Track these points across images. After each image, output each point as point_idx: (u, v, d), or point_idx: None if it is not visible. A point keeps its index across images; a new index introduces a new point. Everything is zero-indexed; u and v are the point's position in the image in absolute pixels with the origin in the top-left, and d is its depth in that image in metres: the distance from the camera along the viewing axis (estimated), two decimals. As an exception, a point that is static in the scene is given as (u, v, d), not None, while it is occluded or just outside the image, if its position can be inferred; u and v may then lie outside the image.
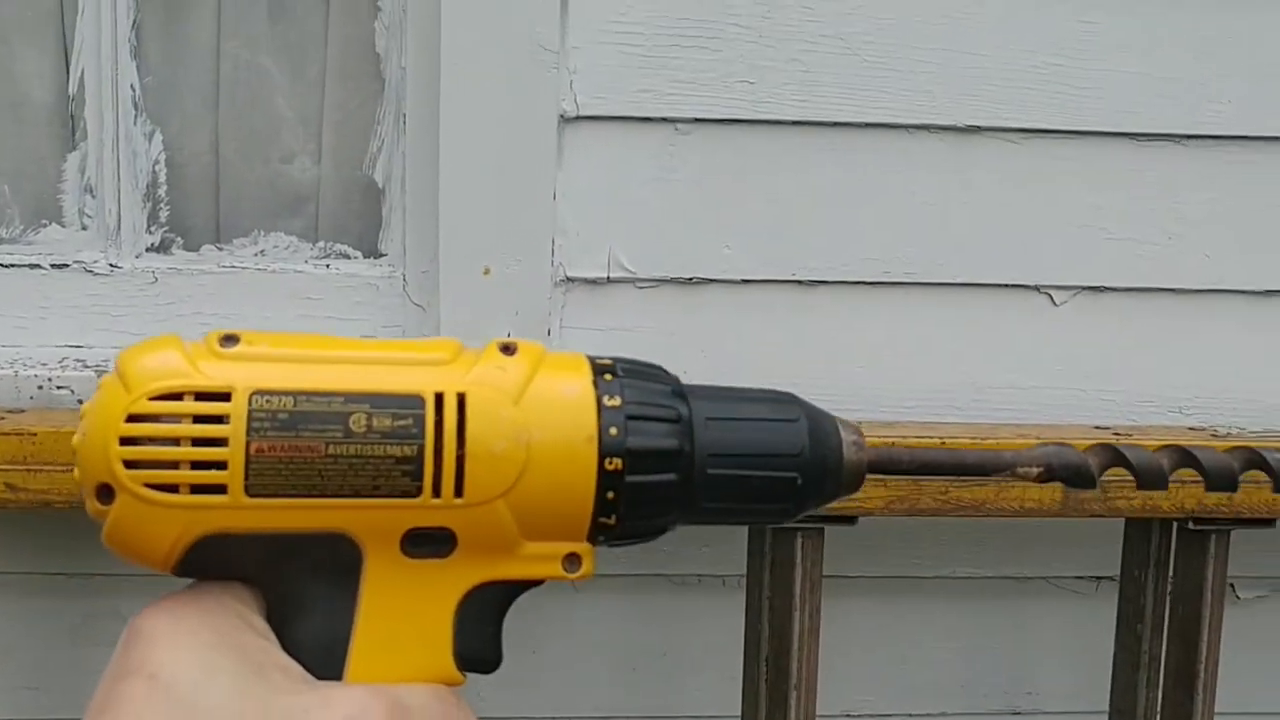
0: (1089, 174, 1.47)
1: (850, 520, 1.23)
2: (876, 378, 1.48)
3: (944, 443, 1.27)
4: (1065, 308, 1.50)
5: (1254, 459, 0.61)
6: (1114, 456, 0.61)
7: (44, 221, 1.48)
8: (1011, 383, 1.50)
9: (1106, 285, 1.50)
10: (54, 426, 1.22)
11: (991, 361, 1.50)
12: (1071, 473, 0.60)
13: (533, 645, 1.53)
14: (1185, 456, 0.61)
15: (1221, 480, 0.61)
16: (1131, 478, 0.60)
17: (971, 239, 1.46)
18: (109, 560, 1.41)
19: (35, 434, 1.21)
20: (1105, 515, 1.28)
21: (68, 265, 1.46)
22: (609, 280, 1.45)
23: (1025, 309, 1.49)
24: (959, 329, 1.49)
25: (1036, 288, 1.49)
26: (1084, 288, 1.50)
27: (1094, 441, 0.63)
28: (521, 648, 1.53)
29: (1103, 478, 0.58)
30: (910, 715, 1.58)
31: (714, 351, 1.47)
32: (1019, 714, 1.60)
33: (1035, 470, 0.60)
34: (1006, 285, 1.49)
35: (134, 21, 1.45)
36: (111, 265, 1.47)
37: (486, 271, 1.40)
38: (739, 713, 1.47)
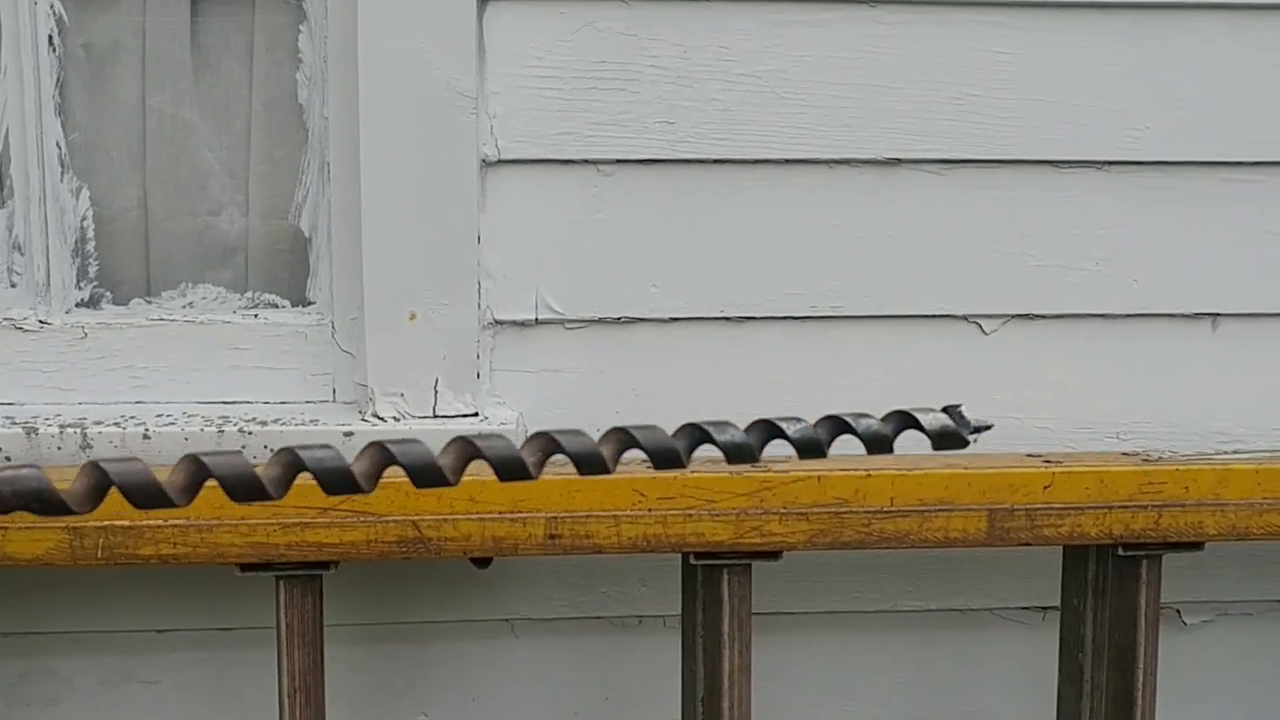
0: (1013, 202, 1.48)
1: (774, 555, 1.22)
2: (806, 411, 1.47)
3: (869, 475, 1.27)
4: (995, 336, 1.50)
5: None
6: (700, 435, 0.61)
7: (-29, 280, 1.48)
8: (945, 413, 1.50)
9: (1036, 312, 1.50)
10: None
11: (923, 392, 1.49)
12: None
13: (471, 693, 1.52)
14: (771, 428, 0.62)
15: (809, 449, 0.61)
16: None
17: (897, 270, 1.47)
18: (47, 618, 1.40)
19: (-47, 492, 1.20)
20: (1034, 544, 1.27)
21: (-4, 323, 1.46)
22: (537, 322, 1.45)
23: (954, 338, 1.50)
24: (888, 360, 1.49)
25: (965, 317, 1.50)
26: (1013, 315, 1.50)
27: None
28: (460, 695, 1.51)
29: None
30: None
31: (644, 390, 1.47)
32: (969, 747, 1.59)
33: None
34: (935, 315, 1.49)
35: (58, 79, 1.46)
36: (41, 322, 1.46)
37: (413, 317, 1.40)
38: None
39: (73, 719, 1.49)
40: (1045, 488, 1.29)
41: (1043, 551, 1.51)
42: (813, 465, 1.31)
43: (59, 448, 1.37)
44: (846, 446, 1.47)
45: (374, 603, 1.49)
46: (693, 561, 1.21)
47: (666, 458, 0.64)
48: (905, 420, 0.65)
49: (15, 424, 1.38)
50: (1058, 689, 1.45)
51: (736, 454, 0.64)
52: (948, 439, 0.66)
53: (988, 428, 0.74)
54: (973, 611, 1.56)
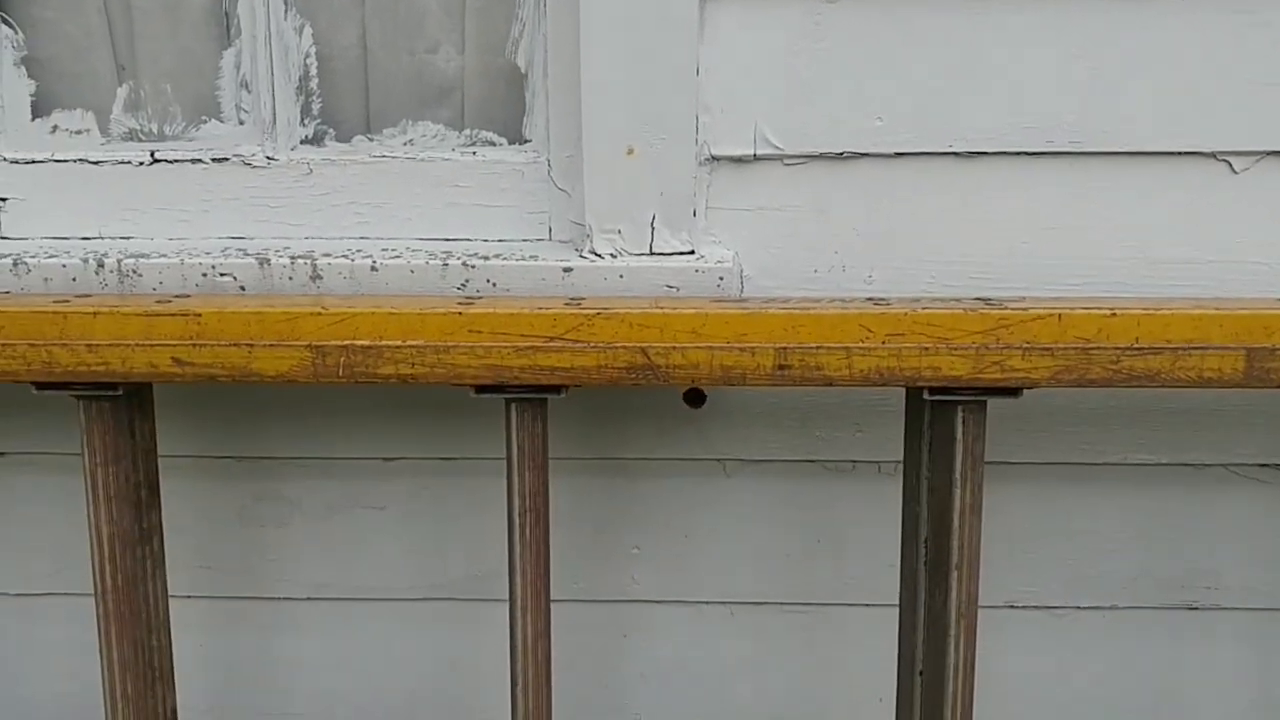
0: (1271, 28, 1.36)
1: (1013, 392, 1.17)
2: (1040, 252, 1.41)
3: (1114, 314, 1.20)
4: (1246, 175, 1.40)
5: None
6: None
7: (204, 118, 1.53)
8: (1187, 257, 1.41)
9: (1293, 149, 1.39)
10: (217, 308, 1.26)
11: (1165, 234, 1.41)
12: None
13: (683, 530, 1.53)
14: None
15: None
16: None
17: (1141, 104, 1.37)
18: (277, 443, 1.46)
19: (200, 315, 1.25)
20: (1292, 385, 1.19)
21: (227, 159, 1.50)
22: (755, 158, 1.41)
23: (1201, 178, 1.40)
24: (1129, 200, 1.40)
25: (1214, 155, 1.39)
26: (1267, 153, 1.39)
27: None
28: (672, 531, 1.52)
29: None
30: (1078, 608, 1.52)
31: (866, 230, 1.42)
32: (1196, 609, 1.52)
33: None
34: (1180, 153, 1.39)
35: (281, -86, 1.46)
36: (269, 158, 1.50)
37: (630, 152, 1.38)
38: (896, 600, 1.44)
39: (301, 540, 1.55)
40: (1305, 331, 1.21)
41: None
42: (1051, 304, 1.25)
43: (290, 278, 1.40)
44: (1072, 289, 1.41)
45: (592, 437, 1.51)
46: (925, 397, 1.17)
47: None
48: None
49: (248, 255, 1.42)
50: (1300, 548, 1.38)
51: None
52: None
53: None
54: (1206, 467, 1.48)
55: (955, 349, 1.16)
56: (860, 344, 1.17)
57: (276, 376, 1.21)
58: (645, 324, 1.20)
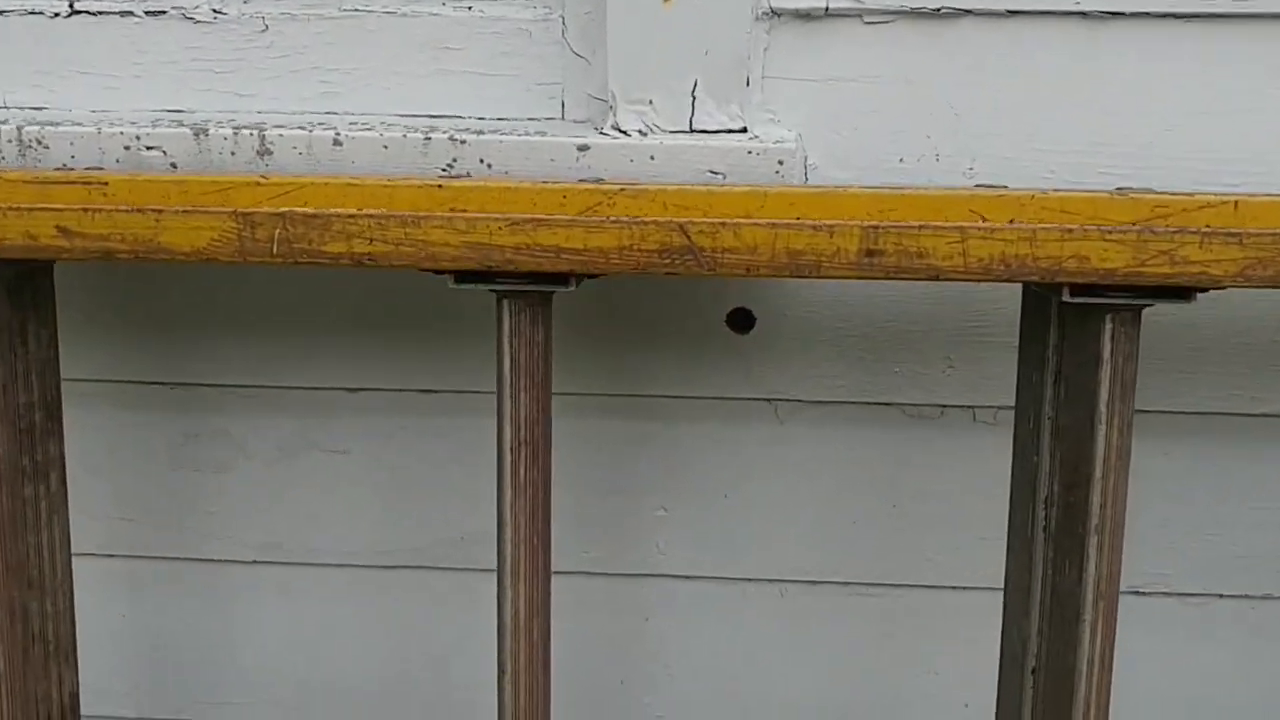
0: None
1: (1184, 294, 0.86)
2: (1186, 143, 1.10)
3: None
4: None
5: None
6: None
7: (136, -40, 1.23)
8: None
9: None
10: (130, 177, 0.96)
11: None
12: None
13: (722, 487, 1.22)
14: None
15: None
16: None
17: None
18: (219, 367, 1.16)
19: (106, 183, 0.95)
20: None
21: (164, 12, 1.20)
22: (827, 12, 1.11)
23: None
24: (1302, 72, 1.09)
25: None
26: None
27: None
28: (708, 488, 1.22)
29: None
30: (1219, 595, 1.21)
31: (967, 108, 1.11)
32: (1366, 602, 1.21)
33: None
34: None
35: None
36: (215, 11, 1.20)
37: (667, 1, 1.07)
38: (989, 583, 1.14)
39: (246, 489, 1.26)
40: None
41: None
42: (1223, 191, 0.94)
43: (232, 153, 1.11)
44: (1232, 188, 1.11)
45: (609, 370, 1.20)
46: (1065, 299, 0.86)
47: None
48: None
49: (183, 125, 1.13)
50: None
51: None
52: None
53: None
54: (1388, 424, 1.17)
55: (1110, 233, 0.85)
56: (980, 224, 0.86)
57: (191, 253, 0.91)
58: (684, 204, 0.90)
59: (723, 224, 0.87)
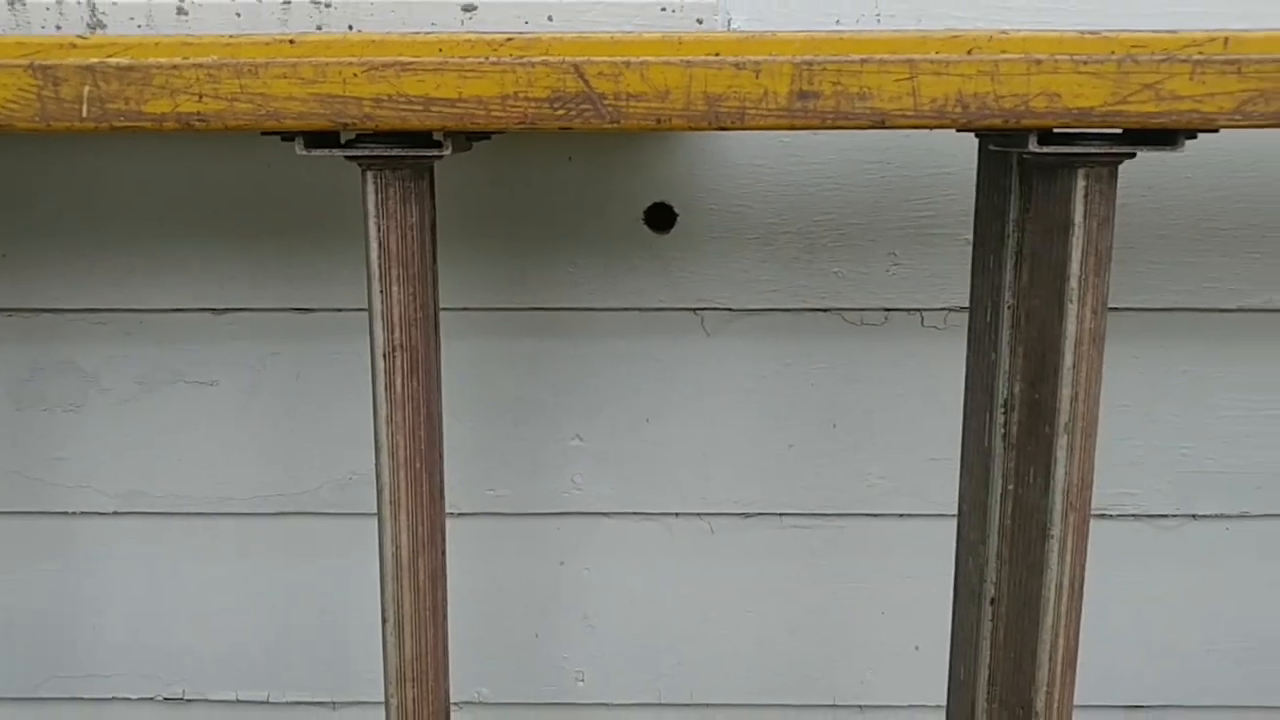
0: None
1: (1170, 139, 0.73)
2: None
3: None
4: None
5: None
6: None
7: None
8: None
9: None
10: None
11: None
12: None
13: (644, 410, 1.08)
14: None
15: None
16: None
17: None
18: (66, 290, 1.00)
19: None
20: None
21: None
22: None
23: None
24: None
25: None
26: None
27: None
28: (628, 411, 1.08)
29: None
30: (1193, 516, 1.09)
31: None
32: (1351, 517, 1.10)
33: None
34: None
35: None
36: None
37: None
38: (942, 509, 1.02)
39: (102, 429, 1.10)
40: None
41: None
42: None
43: (58, 26, 0.94)
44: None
45: (511, 279, 1.06)
46: (1031, 149, 0.73)
47: None
48: None
49: (1, -1, 0.96)
50: None
51: None
52: None
53: None
54: (1373, 321, 1.06)
55: (1085, 64, 0.72)
56: (934, 56, 0.72)
57: (-20, 120, 0.74)
58: (584, 50, 0.75)
59: (627, 64, 0.72)
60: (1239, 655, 1.12)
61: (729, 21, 0.98)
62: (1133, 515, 1.09)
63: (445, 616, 0.89)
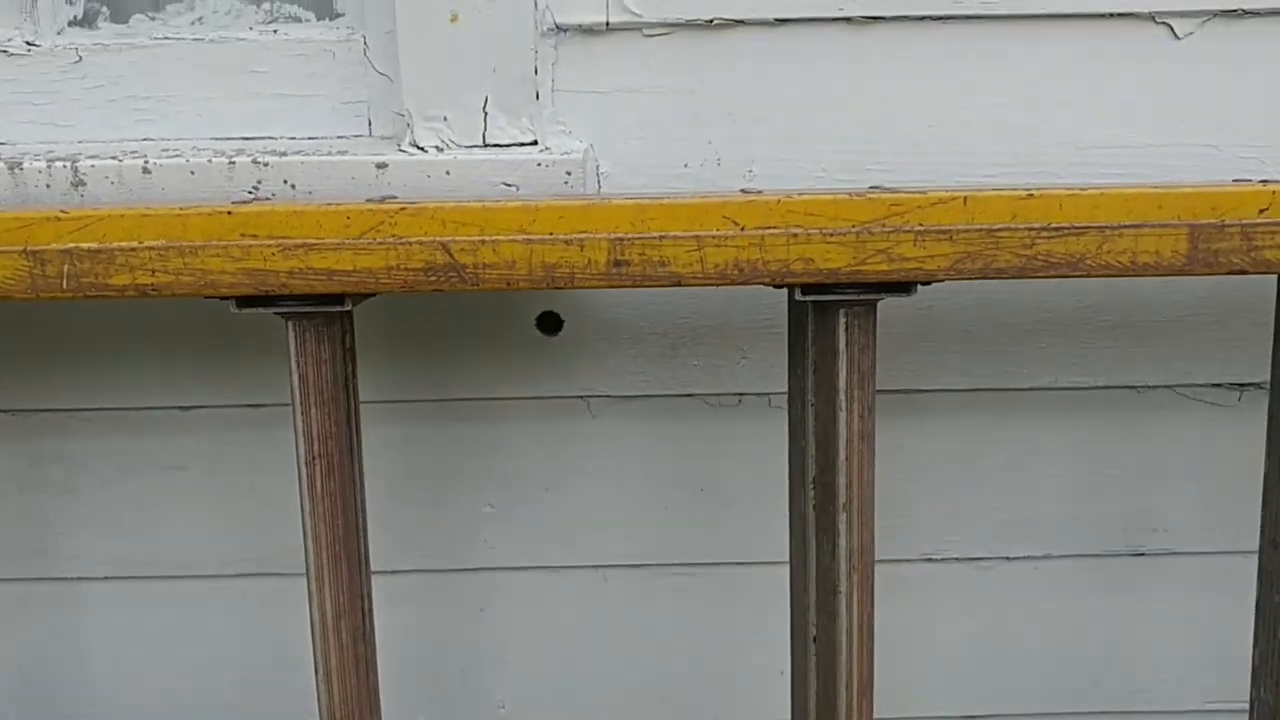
0: None
1: (905, 289, 0.94)
2: (949, 139, 1.19)
3: (1032, 195, 0.97)
4: (1190, 41, 1.18)
5: None
6: None
7: (-52, 0, 1.26)
8: (1122, 139, 1.19)
9: (1243, 8, 1.16)
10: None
11: (1096, 113, 1.19)
12: None
13: (544, 482, 1.29)
14: None
15: None
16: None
17: (1068, -48, 1.15)
18: (61, 393, 1.21)
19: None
20: (1250, 270, 0.96)
21: (-22, 50, 1.24)
22: (609, 27, 1.17)
23: (1138, 44, 1.18)
24: (1054, 73, 1.18)
25: (1152, 16, 1.17)
26: (1214, 13, 1.17)
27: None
28: (530, 484, 1.29)
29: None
30: (1006, 559, 1.30)
31: (744, 115, 1.19)
32: (1143, 554, 1.31)
33: None
34: (1113, 15, 1.17)
35: None
36: (28, 44, 1.24)
37: (454, 18, 1.13)
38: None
39: (91, 508, 1.30)
40: (1262, 211, 0.98)
41: (1242, 310, 1.22)
42: (956, 187, 1.02)
43: (48, 185, 1.15)
44: (989, 179, 1.19)
45: (428, 376, 1.26)
46: (799, 297, 0.94)
47: None
48: None
49: (1, 160, 1.17)
50: (1264, 482, 1.16)
51: None
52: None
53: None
54: (1149, 390, 1.27)
55: (831, 235, 0.93)
56: (715, 233, 0.93)
57: (-14, 293, 0.95)
58: (462, 220, 0.96)
59: (482, 241, 0.93)
60: (1049, 670, 1.33)
61: (597, 167, 1.19)
62: (955, 559, 1.30)
63: (371, 666, 1.10)
